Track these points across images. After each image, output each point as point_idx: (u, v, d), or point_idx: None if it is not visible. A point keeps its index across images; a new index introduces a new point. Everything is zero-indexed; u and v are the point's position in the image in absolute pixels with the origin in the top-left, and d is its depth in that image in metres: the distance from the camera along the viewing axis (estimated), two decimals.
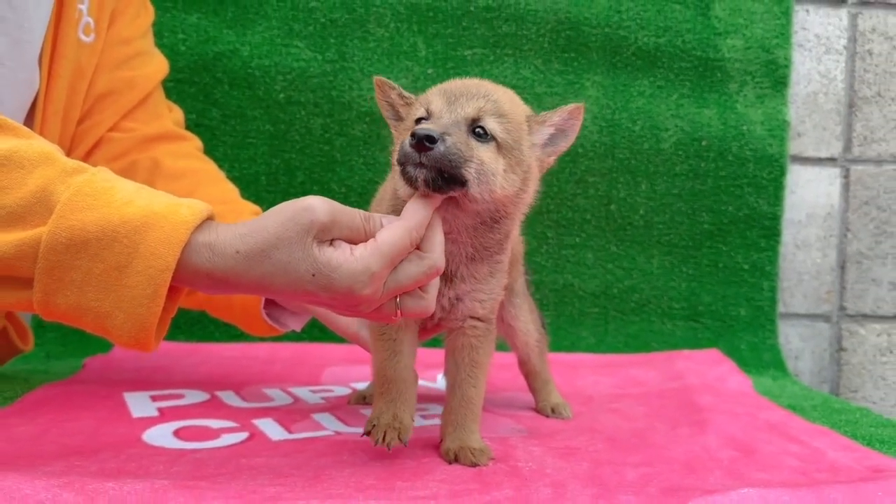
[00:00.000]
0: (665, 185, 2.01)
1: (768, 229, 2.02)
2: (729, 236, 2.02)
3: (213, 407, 1.27)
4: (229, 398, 1.33)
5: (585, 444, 1.11)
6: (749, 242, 2.02)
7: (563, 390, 1.37)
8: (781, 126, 2.01)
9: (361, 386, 1.45)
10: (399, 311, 0.89)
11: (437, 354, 1.27)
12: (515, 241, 1.16)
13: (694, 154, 2.01)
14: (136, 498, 0.79)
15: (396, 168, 0.93)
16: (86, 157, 1.39)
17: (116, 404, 1.26)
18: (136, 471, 0.91)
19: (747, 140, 2.01)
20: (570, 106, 1.00)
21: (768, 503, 0.82)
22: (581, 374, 1.68)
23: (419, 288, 0.89)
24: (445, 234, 0.94)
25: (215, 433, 1.11)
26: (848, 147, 2.06)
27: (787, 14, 2.01)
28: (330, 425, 1.17)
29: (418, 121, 0.96)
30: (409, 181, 0.90)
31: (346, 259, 0.82)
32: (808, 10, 2.06)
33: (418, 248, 0.88)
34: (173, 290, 0.83)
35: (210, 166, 1.49)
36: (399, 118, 1.04)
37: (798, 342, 2.06)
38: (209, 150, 1.57)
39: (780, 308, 2.05)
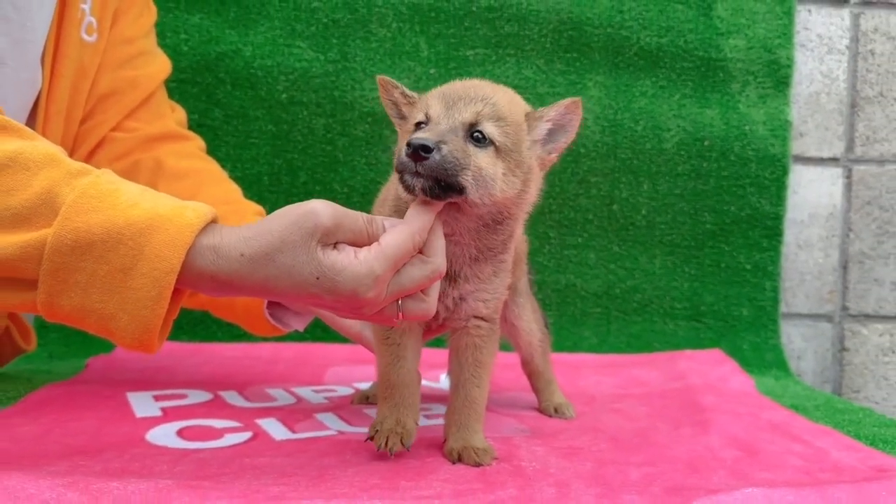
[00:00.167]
0: (667, 185, 2.01)
1: (770, 229, 2.02)
2: (731, 236, 2.02)
3: (217, 407, 1.27)
4: (232, 398, 1.33)
5: (588, 444, 1.11)
6: (751, 242, 2.02)
7: (565, 390, 1.37)
8: (784, 126, 2.01)
9: (364, 386, 1.45)
10: (401, 314, 0.90)
11: (440, 354, 1.27)
12: (519, 240, 1.16)
13: (696, 154, 2.01)
14: (140, 497, 0.79)
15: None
16: (88, 157, 1.39)
17: (120, 404, 1.26)
18: (140, 470, 0.91)
19: (749, 140, 2.01)
20: (567, 100, 0.99)
21: (772, 503, 0.82)
22: (583, 374, 1.68)
23: (421, 291, 0.90)
24: (448, 236, 0.94)
25: (219, 433, 1.11)
26: (850, 147, 2.06)
27: (789, 14, 2.01)
28: (333, 425, 1.17)
29: (418, 125, 0.96)
30: (408, 189, 0.90)
31: (351, 262, 0.83)
32: (810, 10, 2.06)
33: (421, 251, 0.88)
34: (176, 292, 0.83)
35: (213, 166, 1.49)
36: (403, 117, 1.04)
37: (800, 342, 2.06)
38: (211, 151, 1.57)
39: (783, 308, 2.05)
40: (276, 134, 1.94)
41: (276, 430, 1.14)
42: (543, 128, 0.99)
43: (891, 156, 2.05)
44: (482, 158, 0.92)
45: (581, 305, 2.01)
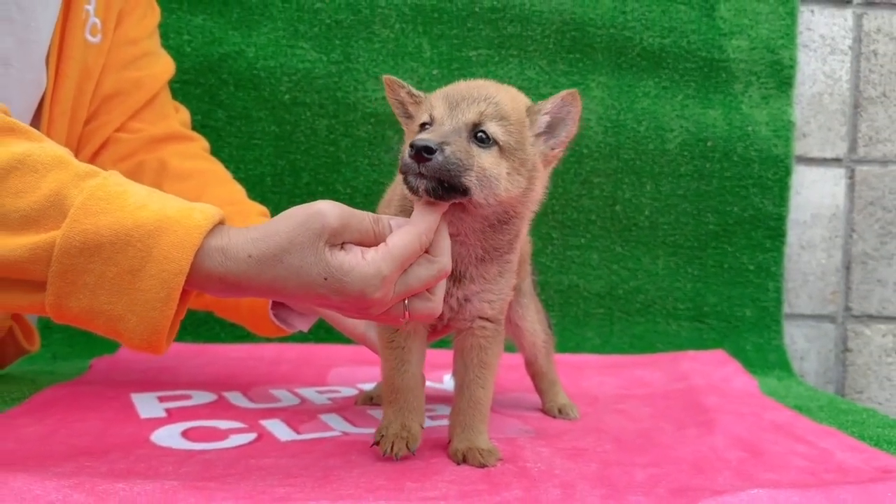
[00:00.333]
0: (670, 185, 2.01)
1: (773, 230, 2.02)
2: (734, 237, 2.02)
3: (221, 408, 1.27)
4: (236, 399, 1.33)
5: (593, 445, 1.11)
6: (754, 243, 2.02)
7: (568, 391, 1.37)
8: (786, 127, 2.01)
9: (368, 387, 1.45)
10: (407, 313, 0.90)
11: (444, 355, 1.27)
12: (523, 240, 1.16)
13: (699, 155, 2.01)
14: (146, 499, 0.79)
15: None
16: (93, 158, 1.39)
17: (124, 405, 1.26)
18: (146, 471, 0.92)
19: (752, 141, 2.01)
20: (564, 92, 0.99)
21: None
22: (586, 374, 1.68)
23: (427, 290, 0.90)
24: (454, 236, 0.95)
25: (223, 434, 1.11)
26: (853, 147, 2.06)
27: (792, 14, 2.01)
28: (338, 426, 1.18)
29: (423, 126, 0.96)
30: (412, 190, 0.90)
31: (358, 263, 0.83)
32: (812, 11, 2.05)
33: (427, 251, 0.88)
34: (184, 294, 0.83)
35: (217, 167, 1.49)
36: (409, 116, 1.04)
37: (803, 343, 2.06)
38: (214, 152, 1.57)
39: (786, 309, 2.04)
40: (279, 135, 1.94)
41: (280, 431, 1.14)
42: (543, 121, 0.99)
43: (894, 156, 2.05)
44: (486, 158, 0.93)
45: (584, 306, 2.01)
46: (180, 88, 1.82)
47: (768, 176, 2.01)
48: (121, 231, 0.81)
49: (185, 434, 1.11)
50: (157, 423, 1.16)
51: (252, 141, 1.94)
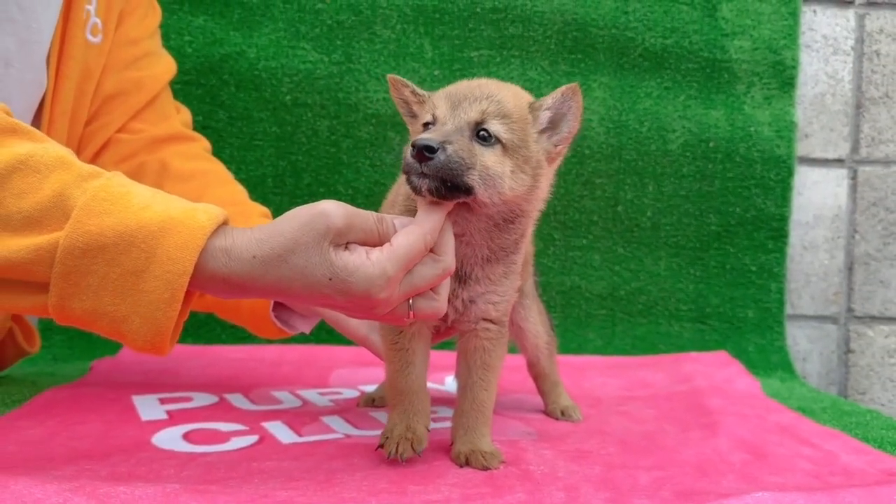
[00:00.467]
0: (672, 186, 2.01)
1: (776, 231, 2.01)
2: (736, 238, 2.02)
3: (222, 410, 1.27)
4: (238, 401, 1.33)
5: (597, 447, 1.11)
6: (756, 244, 2.01)
7: (570, 392, 1.37)
8: (789, 127, 2.01)
9: (370, 388, 1.45)
10: (411, 313, 0.89)
11: (446, 357, 1.26)
12: (527, 241, 1.15)
13: (701, 155, 2.01)
14: (147, 502, 0.79)
15: None
16: (94, 159, 1.39)
17: (125, 407, 1.25)
18: (147, 475, 0.91)
19: (755, 141, 2.00)
20: (564, 87, 0.98)
21: None
22: (588, 376, 1.68)
23: (431, 289, 0.90)
24: (459, 236, 0.94)
25: (225, 436, 1.11)
26: (855, 148, 2.05)
27: (794, 15, 2.01)
28: (340, 428, 1.17)
29: (426, 125, 0.96)
30: (415, 190, 0.90)
31: (363, 263, 0.83)
32: (815, 11, 2.05)
33: (431, 250, 0.88)
34: (188, 295, 0.83)
35: (219, 167, 1.48)
36: (414, 115, 1.04)
37: (806, 344, 2.05)
38: (216, 152, 1.56)
39: (788, 310, 2.04)
40: (281, 136, 1.94)
41: (282, 433, 1.13)
42: (545, 117, 0.99)
43: None
44: (489, 157, 0.92)
45: (586, 307, 2.00)
46: (181, 89, 1.82)
47: (770, 177, 2.01)
48: (124, 232, 0.80)
49: (187, 436, 1.10)
50: (159, 425, 1.15)
51: (253, 142, 1.93)
